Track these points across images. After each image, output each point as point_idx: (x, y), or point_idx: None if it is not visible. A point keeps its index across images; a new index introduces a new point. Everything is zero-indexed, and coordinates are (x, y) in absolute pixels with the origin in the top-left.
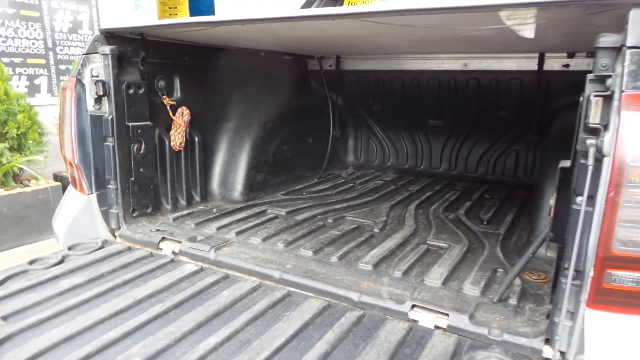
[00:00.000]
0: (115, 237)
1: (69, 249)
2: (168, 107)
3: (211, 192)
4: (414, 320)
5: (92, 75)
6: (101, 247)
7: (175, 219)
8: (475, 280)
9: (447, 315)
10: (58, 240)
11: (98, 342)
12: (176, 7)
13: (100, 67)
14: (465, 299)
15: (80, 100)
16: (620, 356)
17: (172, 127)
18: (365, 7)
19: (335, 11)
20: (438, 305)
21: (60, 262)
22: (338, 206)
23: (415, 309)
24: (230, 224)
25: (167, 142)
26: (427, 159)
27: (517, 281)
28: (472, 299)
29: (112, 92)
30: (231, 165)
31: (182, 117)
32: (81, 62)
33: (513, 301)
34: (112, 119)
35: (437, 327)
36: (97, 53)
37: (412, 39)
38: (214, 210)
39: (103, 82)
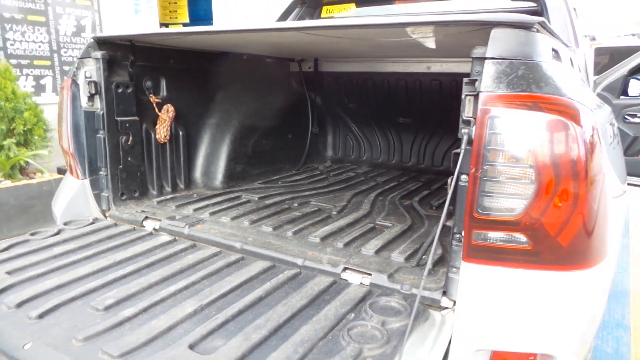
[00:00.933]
0: (105, 217)
1: (65, 224)
2: (154, 104)
3: (194, 180)
4: (343, 279)
5: (86, 77)
6: (92, 223)
7: (159, 202)
8: (403, 250)
9: (370, 274)
10: (56, 219)
11: (82, 289)
12: (176, 12)
13: (93, 69)
14: (390, 264)
15: (75, 98)
16: (487, 298)
17: (158, 122)
18: (299, 23)
19: (274, 26)
20: (365, 268)
21: (57, 234)
22: (306, 193)
23: (346, 271)
24: (207, 206)
25: (153, 135)
26: (398, 154)
27: (440, 250)
28: (396, 264)
29: (103, 91)
30: (212, 157)
31: (167, 113)
32: (76, 65)
33: (429, 265)
34: (102, 114)
35: (361, 284)
36: (90, 57)
37: (366, 45)
38: (195, 195)
39: (95, 83)
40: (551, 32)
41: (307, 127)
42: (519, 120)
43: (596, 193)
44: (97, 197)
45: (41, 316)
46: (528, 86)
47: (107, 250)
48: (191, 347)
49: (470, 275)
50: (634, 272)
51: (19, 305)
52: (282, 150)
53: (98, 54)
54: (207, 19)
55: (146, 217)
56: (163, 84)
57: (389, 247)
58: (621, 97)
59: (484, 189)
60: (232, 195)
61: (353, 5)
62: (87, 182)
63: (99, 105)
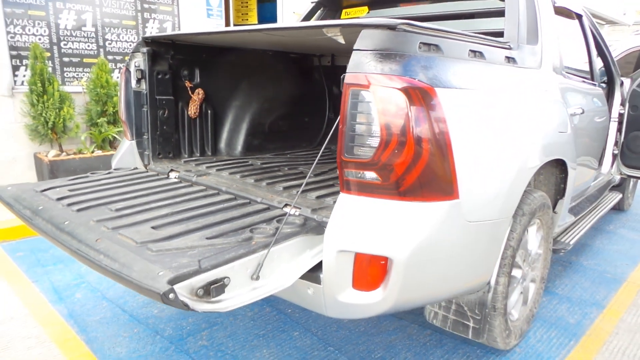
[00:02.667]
0: (146, 168)
1: (114, 169)
2: (188, 88)
3: (219, 149)
4: (284, 210)
5: (135, 66)
6: (131, 170)
7: (185, 162)
8: (332, 196)
9: (300, 208)
10: (112, 167)
11: (108, 200)
12: (247, 14)
13: (140, 60)
14: (322, 204)
15: (127, 82)
16: (349, 217)
17: (190, 102)
18: (252, 26)
19: (242, 28)
20: (299, 204)
21: (107, 174)
22: (301, 162)
23: (286, 206)
24: (217, 166)
25: (186, 112)
26: None
27: None
28: (326, 204)
29: (147, 77)
30: (234, 132)
31: (197, 95)
32: (129, 57)
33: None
34: (146, 93)
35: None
36: (139, 52)
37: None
38: (214, 159)
39: (142, 70)
40: (424, 32)
41: (325, 113)
42: (367, 92)
43: (430, 149)
44: (141, 154)
45: (79, 210)
46: (381, 69)
47: (133, 184)
48: (153, 227)
49: (341, 202)
50: None
51: (69, 205)
52: (298, 130)
53: (144, 49)
54: (272, 19)
55: (171, 170)
56: (197, 72)
57: (331, 195)
58: None
59: (347, 140)
60: (241, 161)
61: (366, 8)
62: (134, 142)
63: (144, 87)
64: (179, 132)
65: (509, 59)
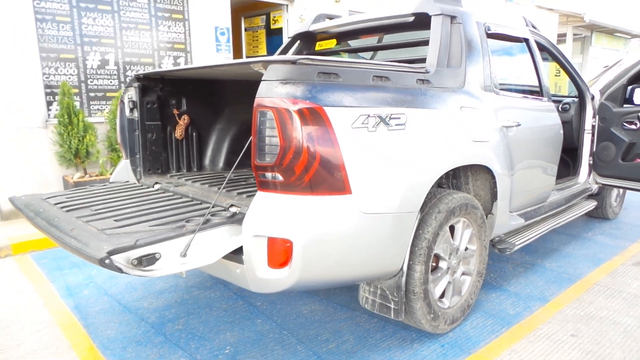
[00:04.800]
0: (138, 182)
1: (109, 182)
2: (175, 115)
3: (204, 165)
4: (233, 212)
5: (128, 98)
6: (124, 182)
7: (171, 176)
8: None
9: (239, 207)
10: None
11: (91, 202)
12: (257, 47)
13: (133, 93)
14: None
15: (122, 111)
16: (262, 209)
17: (177, 126)
18: (191, 65)
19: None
20: (240, 204)
21: (103, 186)
22: None
23: (232, 206)
24: (195, 179)
25: (173, 134)
26: None
27: None
28: None
29: (138, 107)
30: (217, 151)
31: (183, 120)
32: (124, 90)
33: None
34: (138, 120)
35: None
36: (132, 86)
37: None
38: (196, 174)
39: (134, 101)
40: (322, 64)
41: None
42: (270, 112)
43: (321, 155)
44: (134, 171)
45: (68, 211)
46: (280, 94)
47: (117, 192)
48: (115, 220)
49: (257, 197)
50: (605, 270)
51: (62, 207)
52: None
53: (136, 84)
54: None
55: (156, 182)
56: (184, 101)
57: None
58: (624, 105)
59: (257, 149)
60: (219, 174)
61: (335, 40)
62: (128, 161)
63: (136, 115)
64: (167, 151)
65: (423, 81)
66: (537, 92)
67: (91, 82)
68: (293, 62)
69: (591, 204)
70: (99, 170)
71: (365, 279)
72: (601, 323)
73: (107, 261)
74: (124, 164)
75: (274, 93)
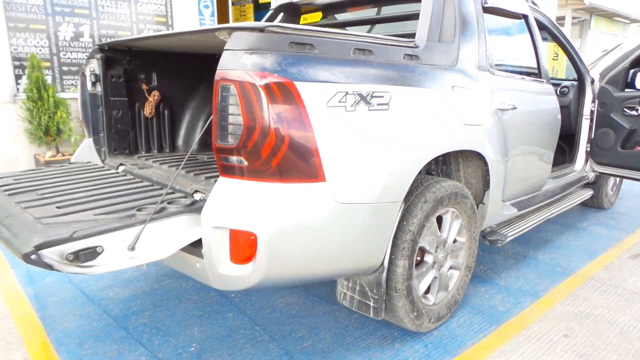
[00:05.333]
0: (103, 163)
1: (69, 163)
2: (145, 91)
3: (177, 146)
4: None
5: (90, 71)
6: (85, 163)
7: (138, 157)
8: None
9: (204, 193)
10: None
11: (39, 187)
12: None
13: (95, 65)
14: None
15: (83, 85)
16: (224, 197)
17: (146, 102)
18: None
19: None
20: (205, 190)
21: (60, 167)
22: None
23: (197, 193)
24: (164, 161)
25: (142, 112)
26: None
27: None
28: None
29: (101, 80)
30: (191, 131)
31: (153, 97)
32: (85, 63)
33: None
34: (101, 95)
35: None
36: (94, 58)
37: None
38: (167, 155)
39: (96, 74)
40: (295, 32)
41: None
42: (233, 87)
43: (291, 136)
44: (98, 150)
45: (10, 194)
46: (245, 66)
47: (72, 175)
48: (57, 207)
49: (218, 183)
50: (606, 264)
51: (5, 190)
52: None
53: (98, 55)
54: None
55: (121, 164)
56: (154, 76)
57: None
58: (626, 90)
59: (218, 129)
60: (191, 157)
61: (320, 13)
62: (91, 140)
63: (99, 89)
64: (135, 130)
65: (411, 57)
66: (536, 73)
67: (64, 55)
68: (261, 30)
69: (587, 193)
70: (73, 149)
71: (342, 275)
72: (596, 322)
73: (33, 257)
74: (87, 143)
75: (238, 64)
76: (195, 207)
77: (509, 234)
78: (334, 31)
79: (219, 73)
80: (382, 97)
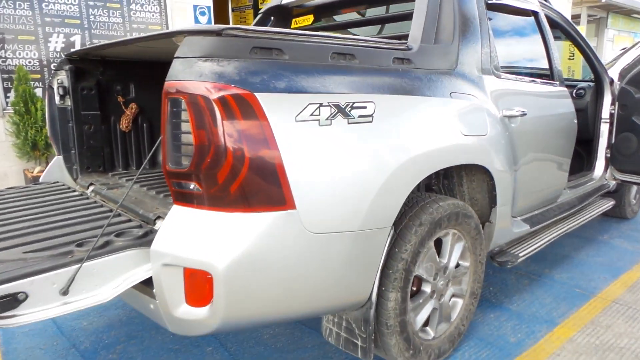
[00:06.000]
0: (75, 182)
1: (34, 184)
2: (121, 103)
3: (158, 162)
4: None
5: (58, 83)
6: (52, 184)
7: (112, 175)
8: None
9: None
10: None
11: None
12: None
13: (64, 77)
14: None
15: (51, 98)
16: (175, 229)
17: (122, 116)
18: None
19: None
20: None
21: (23, 188)
22: None
23: (158, 219)
24: (141, 179)
25: (118, 126)
26: None
27: None
28: None
29: (71, 93)
30: None
31: (130, 110)
32: (52, 75)
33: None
34: (71, 109)
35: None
36: (62, 69)
37: None
38: (145, 172)
39: (64, 87)
40: (259, 36)
41: None
42: (183, 101)
43: (252, 158)
44: (69, 169)
45: None
46: (197, 76)
47: (27, 199)
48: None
49: (171, 213)
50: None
51: None
52: None
53: (67, 67)
54: None
55: (91, 184)
56: (132, 87)
57: None
58: None
59: (168, 149)
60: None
61: (312, 16)
62: (61, 157)
63: (69, 103)
64: (111, 146)
65: (402, 61)
66: (548, 75)
67: (55, 66)
68: (218, 33)
69: (608, 203)
70: None
71: (324, 313)
72: (621, 356)
73: None
74: (56, 161)
75: (189, 74)
76: (147, 240)
77: (520, 254)
78: (308, 34)
79: (168, 85)
80: (365, 107)
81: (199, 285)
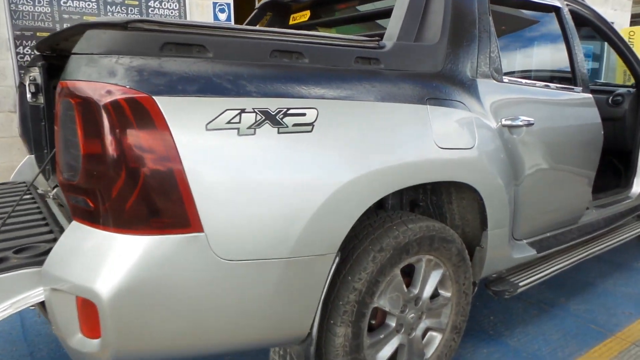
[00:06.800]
0: (47, 183)
1: (2, 183)
2: None
3: None
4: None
5: (30, 80)
6: (17, 184)
7: None
8: None
9: None
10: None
11: None
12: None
13: (36, 74)
14: None
15: (22, 96)
16: (68, 252)
17: None
18: None
19: None
20: None
21: None
22: None
23: None
24: None
25: None
26: None
27: None
28: None
29: (43, 90)
30: None
31: None
32: (24, 72)
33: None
34: (43, 107)
35: None
36: (35, 66)
37: None
38: None
39: (36, 84)
40: (173, 30)
41: None
42: (73, 104)
43: (149, 172)
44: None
45: None
46: (89, 76)
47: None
48: None
49: (68, 232)
50: None
51: None
52: None
53: (39, 63)
54: None
55: (56, 185)
56: None
57: None
58: None
59: (60, 158)
60: None
61: (308, 12)
62: (33, 157)
63: (41, 101)
64: None
65: (368, 61)
66: (569, 79)
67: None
68: (123, 26)
69: None
70: None
71: (256, 347)
72: None
73: None
74: (28, 160)
75: (82, 73)
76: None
77: (520, 283)
78: (244, 28)
79: (60, 85)
80: (304, 115)
81: (89, 315)
